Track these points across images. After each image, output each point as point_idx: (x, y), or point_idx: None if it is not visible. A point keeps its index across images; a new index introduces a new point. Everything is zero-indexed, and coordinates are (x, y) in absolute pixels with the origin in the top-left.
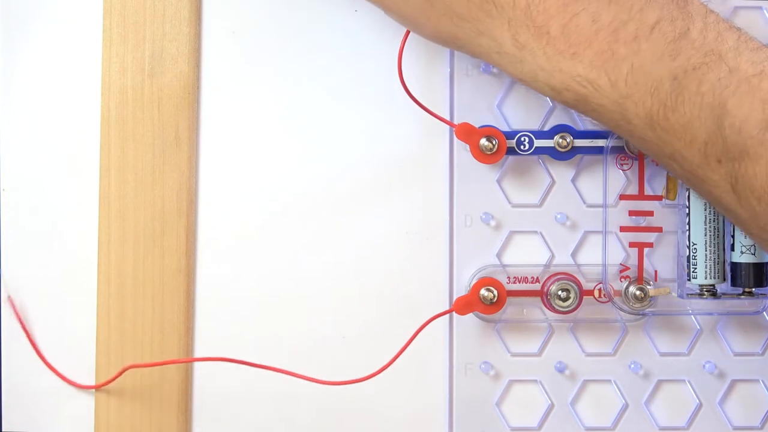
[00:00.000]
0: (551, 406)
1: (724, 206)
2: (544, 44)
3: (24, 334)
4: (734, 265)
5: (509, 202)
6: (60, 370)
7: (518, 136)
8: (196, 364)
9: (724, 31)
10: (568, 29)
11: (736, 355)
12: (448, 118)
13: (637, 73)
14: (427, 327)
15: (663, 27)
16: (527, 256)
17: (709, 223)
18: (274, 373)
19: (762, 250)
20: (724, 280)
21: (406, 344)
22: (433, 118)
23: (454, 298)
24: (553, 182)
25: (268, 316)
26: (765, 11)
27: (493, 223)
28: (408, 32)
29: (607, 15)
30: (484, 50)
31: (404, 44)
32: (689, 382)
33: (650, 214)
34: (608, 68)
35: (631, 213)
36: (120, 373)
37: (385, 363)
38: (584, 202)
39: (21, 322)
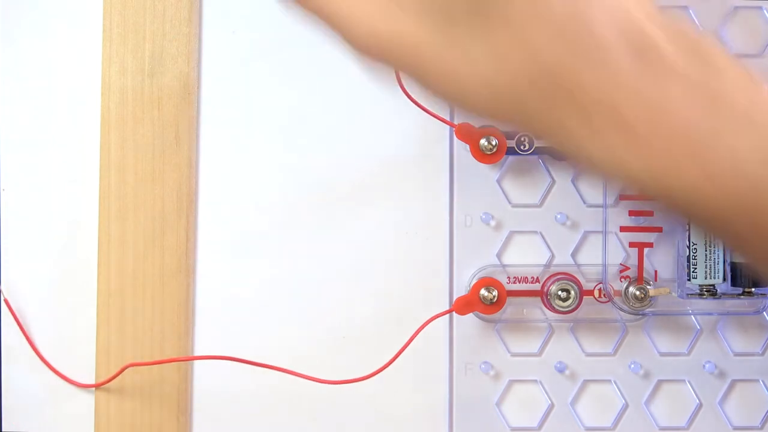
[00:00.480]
0: (551, 406)
1: None
2: (624, 133)
3: (22, 335)
4: (734, 265)
5: (509, 202)
6: (60, 370)
7: (518, 136)
8: (196, 364)
9: None
10: (656, 117)
11: (736, 355)
12: (448, 118)
13: (729, 179)
14: (427, 327)
15: (752, 115)
16: (527, 256)
17: None
18: (274, 373)
19: None
20: (724, 280)
21: (406, 344)
22: (433, 118)
23: (454, 298)
24: (553, 182)
25: (268, 316)
26: (765, 11)
27: (493, 223)
28: None
29: (694, 101)
30: (547, 133)
31: None
32: (689, 382)
33: (650, 214)
34: (701, 173)
35: (631, 213)
36: (120, 372)
37: (387, 368)
38: (584, 202)
39: (18, 323)
